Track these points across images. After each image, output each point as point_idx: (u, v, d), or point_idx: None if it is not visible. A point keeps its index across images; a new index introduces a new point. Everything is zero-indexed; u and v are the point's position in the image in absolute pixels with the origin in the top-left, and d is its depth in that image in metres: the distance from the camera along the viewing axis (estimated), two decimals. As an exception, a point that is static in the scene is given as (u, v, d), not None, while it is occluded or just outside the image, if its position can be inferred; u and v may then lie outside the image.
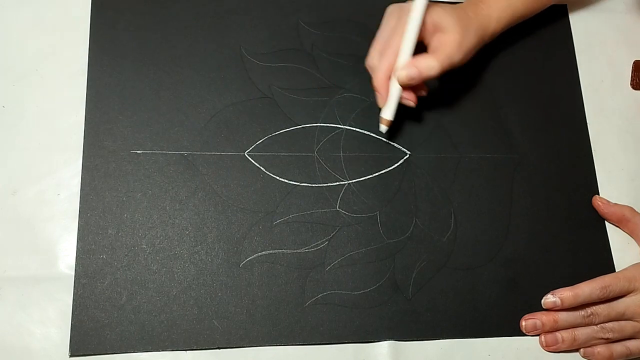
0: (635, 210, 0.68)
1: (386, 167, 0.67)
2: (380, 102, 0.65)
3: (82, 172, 0.63)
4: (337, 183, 0.66)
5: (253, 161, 0.65)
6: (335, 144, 0.67)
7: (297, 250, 0.63)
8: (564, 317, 0.64)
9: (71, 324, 0.58)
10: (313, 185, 0.65)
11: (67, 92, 0.65)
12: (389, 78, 0.63)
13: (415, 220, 0.66)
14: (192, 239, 0.62)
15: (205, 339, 0.59)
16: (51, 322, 0.58)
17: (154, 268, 0.61)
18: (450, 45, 0.62)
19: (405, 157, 0.68)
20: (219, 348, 0.60)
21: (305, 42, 0.70)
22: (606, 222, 0.69)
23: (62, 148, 0.63)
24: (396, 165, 0.67)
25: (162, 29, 0.68)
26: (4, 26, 0.66)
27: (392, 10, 0.65)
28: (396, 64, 0.63)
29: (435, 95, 0.70)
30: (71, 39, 0.67)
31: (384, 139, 0.68)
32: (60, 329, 0.58)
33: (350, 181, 0.66)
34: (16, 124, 0.63)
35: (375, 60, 0.64)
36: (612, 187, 0.71)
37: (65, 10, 0.68)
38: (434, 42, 0.63)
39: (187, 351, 0.59)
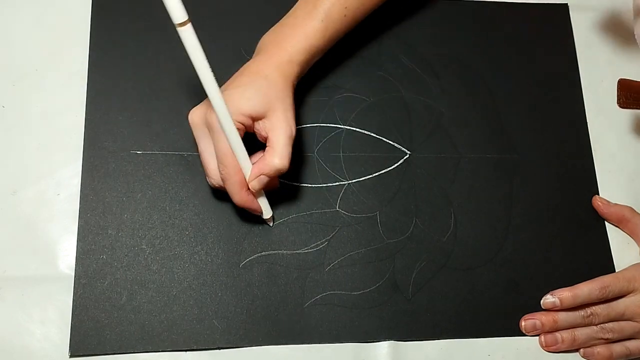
0: (635, 211, 0.68)
1: (386, 167, 0.67)
2: (257, 213, 0.61)
3: (82, 172, 0.63)
4: (337, 183, 0.66)
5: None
6: (335, 144, 0.67)
7: (297, 251, 0.63)
8: (563, 317, 0.64)
9: (71, 324, 0.58)
10: (313, 185, 0.65)
11: (67, 92, 0.65)
12: (246, 190, 0.58)
13: (415, 221, 0.66)
14: (192, 240, 0.62)
15: (205, 339, 0.59)
16: (51, 322, 0.58)
17: (154, 268, 0.61)
18: (279, 128, 0.57)
19: (405, 157, 0.68)
20: (219, 348, 0.60)
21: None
22: (606, 223, 0.69)
23: (62, 148, 0.63)
24: (396, 165, 0.67)
25: (161, 30, 0.68)
26: (4, 26, 0.66)
27: (198, 125, 0.57)
28: (244, 177, 0.58)
29: (435, 95, 0.70)
30: (71, 39, 0.67)
31: (384, 139, 0.68)
32: (60, 329, 0.58)
33: (350, 181, 0.66)
34: (16, 124, 0.63)
35: (219, 182, 0.59)
36: (612, 187, 0.71)
37: (65, 10, 0.68)
38: (259, 130, 0.58)
39: (187, 351, 0.59)
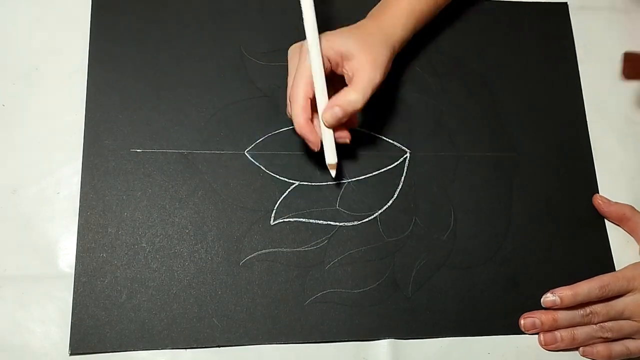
0: (635, 209, 0.68)
1: (386, 166, 0.67)
2: (313, 147, 0.60)
3: (82, 170, 0.63)
4: (337, 182, 0.66)
5: (253, 160, 0.65)
6: (335, 143, 0.67)
7: (297, 249, 0.63)
8: (563, 316, 0.64)
9: (71, 322, 0.58)
10: (313, 184, 0.65)
11: (67, 90, 0.65)
12: (310, 121, 0.59)
13: (415, 219, 0.66)
14: (192, 238, 0.62)
15: (205, 337, 0.59)
16: (51, 320, 0.58)
17: (154, 266, 0.61)
18: (364, 70, 0.59)
19: (405, 156, 0.68)
20: (219, 346, 0.60)
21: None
22: (606, 221, 0.69)
23: (62, 147, 0.63)
24: (396, 163, 0.67)
25: (162, 29, 0.68)
26: (4, 25, 0.66)
27: (292, 51, 0.62)
28: (318, 107, 0.59)
29: (435, 94, 0.70)
30: (71, 38, 0.67)
31: (384, 138, 0.68)
32: (60, 328, 0.58)
33: (350, 180, 0.66)
34: (16, 123, 0.64)
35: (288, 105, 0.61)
36: (612, 186, 0.71)
37: (65, 9, 0.68)
38: (347, 71, 0.60)
39: (187, 349, 0.59)
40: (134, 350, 0.58)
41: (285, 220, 0.64)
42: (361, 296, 0.63)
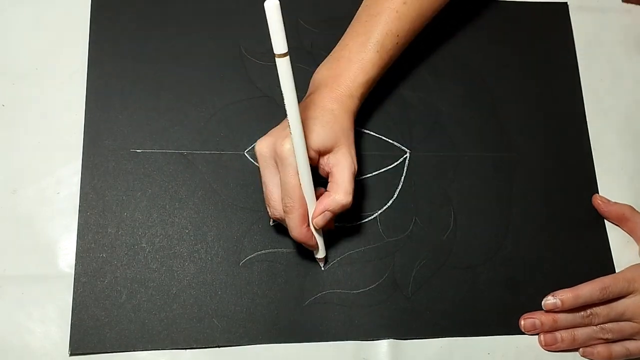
0: (635, 209, 0.68)
1: (386, 166, 0.67)
2: (313, 249, 0.61)
3: (81, 170, 0.63)
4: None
5: (252, 160, 0.65)
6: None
7: (297, 249, 0.63)
8: (563, 317, 0.64)
9: (71, 322, 0.58)
10: (312, 184, 0.65)
11: (67, 90, 0.65)
12: (306, 226, 0.58)
13: (415, 219, 0.66)
14: (191, 238, 0.62)
15: (205, 338, 0.59)
16: (51, 320, 0.58)
17: (154, 267, 0.61)
18: (341, 164, 0.57)
19: (404, 156, 0.68)
20: (218, 346, 0.60)
21: (304, 41, 0.70)
22: (606, 221, 0.69)
23: (62, 147, 0.63)
24: (395, 164, 0.67)
25: (161, 29, 0.68)
26: (4, 25, 0.66)
27: (264, 159, 0.57)
28: (309, 212, 0.58)
29: (435, 94, 0.70)
30: (71, 38, 0.67)
31: (384, 138, 0.68)
32: (60, 328, 0.58)
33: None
34: (16, 123, 0.64)
35: (280, 214, 0.58)
36: (612, 186, 0.71)
37: (65, 9, 0.68)
38: (322, 166, 0.58)
39: (187, 350, 0.59)
40: (134, 351, 0.58)
41: (285, 220, 0.64)
42: (361, 296, 0.63)
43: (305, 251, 0.63)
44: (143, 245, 0.61)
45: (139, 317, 0.59)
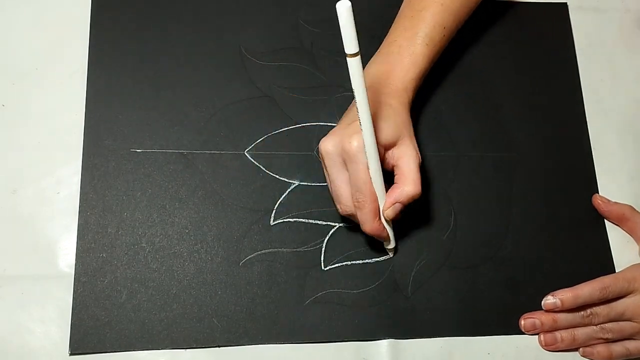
0: (634, 209, 0.68)
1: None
2: (385, 240, 0.62)
3: (81, 170, 0.63)
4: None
5: (253, 160, 0.65)
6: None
7: (297, 249, 0.63)
8: (563, 316, 0.64)
9: (71, 322, 0.58)
10: (312, 184, 0.65)
11: (67, 90, 0.65)
12: (378, 219, 0.58)
13: (415, 219, 0.66)
14: (191, 238, 0.62)
15: (205, 338, 0.59)
16: (51, 320, 0.58)
17: (154, 266, 0.61)
18: (407, 155, 0.58)
19: (404, 156, 0.68)
20: (218, 346, 0.60)
21: (304, 41, 0.70)
22: (606, 221, 0.69)
23: (62, 147, 0.63)
24: (396, 164, 0.67)
25: (161, 28, 0.68)
26: (4, 25, 0.66)
27: (331, 156, 0.58)
28: (379, 206, 0.58)
29: (435, 95, 0.70)
30: (71, 38, 0.67)
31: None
32: (60, 328, 0.58)
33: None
34: (16, 123, 0.63)
35: (353, 210, 0.58)
36: (612, 186, 0.71)
37: (65, 9, 0.68)
38: (388, 159, 0.59)
39: (187, 349, 0.59)
40: (134, 351, 0.58)
41: (285, 220, 0.64)
42: (361, 296, 0.63)
43: (304, 251, 0.63)
44: (143, 245, 0.61)
45: (139, 317, 0.59)
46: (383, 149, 0.58)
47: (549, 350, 0.64)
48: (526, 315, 0.64)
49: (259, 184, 0.65)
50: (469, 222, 0.67)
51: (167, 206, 0.63)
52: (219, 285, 0.61)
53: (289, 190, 0.65)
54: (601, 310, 0.63)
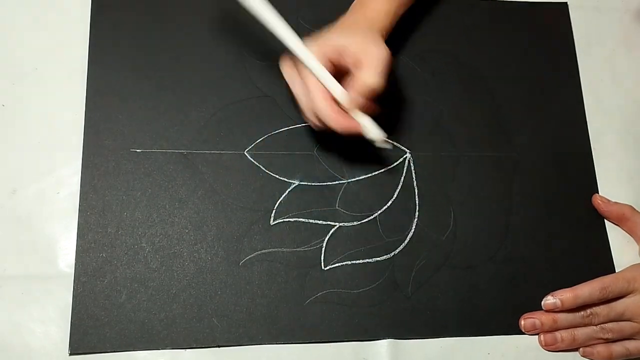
0: (634, 209, 0.68)
1: (386, 166, 0.67)
2: (361, 130, 0.60)
3: (81, 170, 0.63)
4: (337, 182, 0.66)
5: (253, 160, 0.65)
6: (334, 142, 0.67)
7: (297, 249, 0.63)
8: (563, 317, 0.64)
9: (71, 322, 0.58)
10: (312, 184, 0.65)
11: (67, 91, 0.65)
12: (343, 115, 0.58)
13: (415, 219, 0.66)
14: (191, 238, 0.62)
15: (205, 337, 0.59)
16: (51, 320, 0.58)
17: (154, 266, 0.61)
18: (367, 51, 0.57)
19: (405, 156, 0.68)
20: (218, 346, 0.60)
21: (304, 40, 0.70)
22: (606, 221, 0.69)
23: (62, 147, 0.63)
24: (396, 164, 0.67)
25: (162, 28, 0.68)
26: (3, 25, 0.66)
27: (287, 67, 0.61)
28: (340, 102, 0.59)
29: (434, 94, 0.70)
30: (70, 38, 0.67)
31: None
32: (60, 328, 0.58)
33: (350, 180, 0.66)
34: (16, 123, 0.64)
35: (316, 120, 0.60)
36: (612, 186, 0.71)
37: (65, 9, 0.68)
38: (349, 61, 0.59)
39: (187, 349, 0.59)
40: (133, 350, 0.58)
41: (285, 220, 0.64)
42: (361, 296, 0.63)
43: (304, 251, 0.63)
44: (143, 245, 0.61)
45: (139, 316, 0.59)
46: (337, 52, 0.58)
47: (549, 351, 0.64)
48: (526, 315, 0.64)
49: (259, 184, 0.65)
50: (468, 222, 0.67)
51: (167, 206, 0.63)
52: (219, 285, 0.61)
53: (289, 190, 0.65)
54: (601, 310, 0.63)
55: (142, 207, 0.62)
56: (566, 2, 0.77)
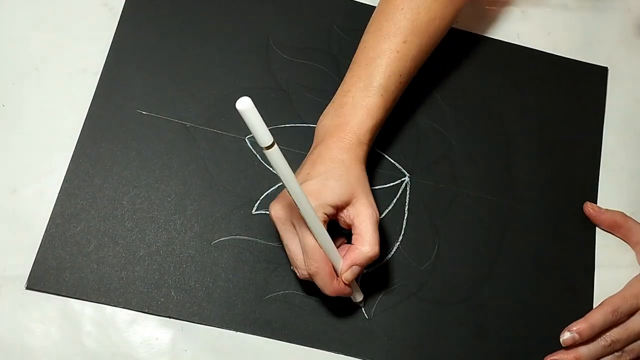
0: (627, 215, 0.67)
1: (382, 184, 0.67)
2: (351, 295, 0.60)
3: (85, 118, 0.64)
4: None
5: (251, 147, 0.65)
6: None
7: (272, 243, 0.63)
8: (585, 351, 0.62)
9: (35, 259, 0.59)
10: (304, 184, 0.65)
11: (67, 91, 0.65)
12: (337, 280, 0.56)
13: (397, 243, 0.65)
14: (172, 207, 0.63)
15: (158, 306, 0.60)
16: (51, 320, 0.59)
17: (128, 225, 0.61)
18: (362, 214, 0.55)
19: (403, 179, 0.67)
20: (169, 317, 0.60)
21: (333, 46, 0.70)
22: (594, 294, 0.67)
23: (62, 147, 0.63)
24: (392, 184, 0.67)
25: (195, 2, 0.69)
26: (4, 25, 0.67)
27: (282, 220, 0.56)
28: (333, 268, 0.56)
29: (448, 125, 0.69)
30: (71, 38, 0.67)
31: (386, 156, 0.67)
32: (61, 327, 0.59)
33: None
34: (16, 123, 0.64)
35: (307, 275, 0.57)
36: (612, 186, 0.70)
37: (65, 9, 0.68)
38: (343, 218, 0.57)
39: (139, 312, 0.59)
40: (87, 300, 0.59)
41: (267, 212, 0.64)
42: (322, 305, 0.62)
43: (279, 247, 0.62)
44: (123, 202, 0.62)
45: (101, 269, 0.60)
46: (335, 210, 0.55)
47: None
48: (549, 357, 0.63)
49: (251, 172, 0.65)
50: (451, 259, 0.65)
51: (157, 172, 0.64)
52: (185, 259, 0.61)
53: (279, 184, 0.65)
54: (620, 335, 0.62)
55: (133, 166, 0.63)
56: (607, 68, 0.75)
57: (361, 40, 0.63)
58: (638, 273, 0.65)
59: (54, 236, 0.60)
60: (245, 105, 0.43)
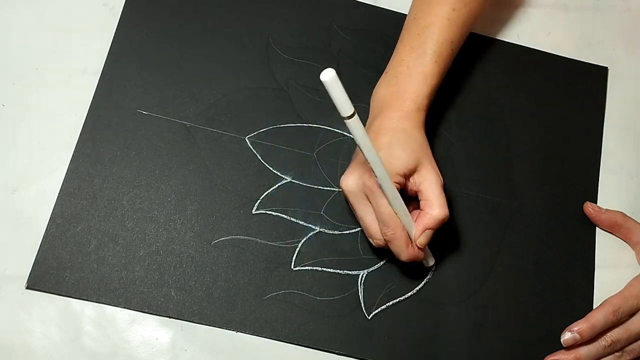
0: (626, 216, 0.67)
1: (381, 185, 0.66)
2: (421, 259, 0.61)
3: (85, 118, 0.64)
4: (328, 188, 0.65)
5: (251, 147, 0.65)
6: (335, 150, 0.67)
7: (271, 243, 0.63)
8: (586, 352, 0.62)
9: (35, 259, 0.59)
10: (303, 184, 0.65)
11: (67, 90, 0.65)
12: (412, 245, 0.58)
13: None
14: (172, 207, 0.63)
15: (158, 306, 0.60)
16: (51, 320, 0.59)
17: (128, 225, 0.61)
18: (428, 180, 0.58)
19: (403, 179, 0.67)
20: (169, 317, 0.60)
21: (333, 45, 0.70)
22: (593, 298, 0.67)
23: (62, 147, 0.63)
24: (392, 184, 0.67)
25: (194, 2, 0.69)
26: (4, 25, 0.67)
27: (355, 193, 0.57)
28: (408, 234, 0.58)
29: (450, 126, 0.69)
30: (71, 38, 0.67)
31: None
32: (61, 328, 0.59)
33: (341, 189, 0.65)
34: (16, 123, 0.64)
35: (384, 243, 0.58)
36: (612, 186, 0.70)
37: (65, 9, 0.68)
38: (411, 186, 0.58)
39: (139, 312, 0.59)
40: (87, 300, 0.59)
41: (267, 212, 0.64)
42: (322, 304, 0.62)
43: (278, 247, 0.62)
44: (123, 202, 0.62)
45: (101, 269, 0.60)
46: (404, 178, 0.57)
47: None
48: (549, 357, 0.63)
49: (251, 172, 0.65)
50: (451, 259, 0.65)
51: (157, 171, 0.64)
52: (185, 259, 0.61)
53: (279, 184, 0.65)
54: (620, 336, 0.62)
55: (133, 166, 0.63)
56: (607, 68, 0.75)
57: (409, 11, 0.66)
58: (638, 273, 0.65)
59: (54, 236, 0.60)
60: (329, 76, 0.45)
